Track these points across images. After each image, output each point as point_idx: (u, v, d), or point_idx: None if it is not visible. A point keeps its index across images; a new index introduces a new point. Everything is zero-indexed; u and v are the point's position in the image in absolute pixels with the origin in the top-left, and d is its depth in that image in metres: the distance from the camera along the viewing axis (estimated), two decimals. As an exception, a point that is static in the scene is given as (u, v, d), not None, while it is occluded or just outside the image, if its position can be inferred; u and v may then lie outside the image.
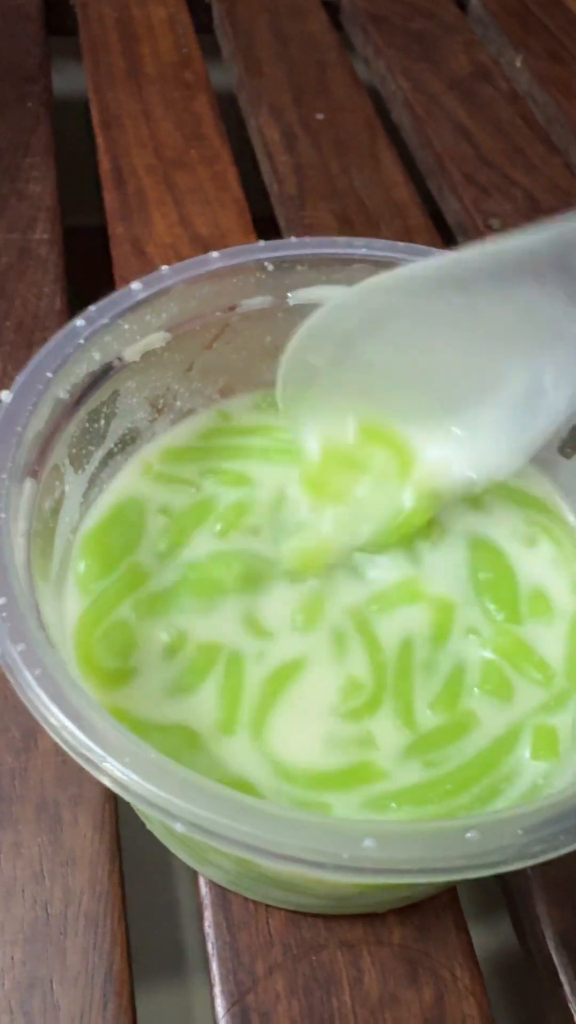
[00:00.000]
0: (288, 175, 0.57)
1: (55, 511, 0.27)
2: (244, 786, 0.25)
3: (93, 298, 0.29)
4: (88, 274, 0.50)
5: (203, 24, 0.69)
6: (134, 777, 0.19)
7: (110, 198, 0.53)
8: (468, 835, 0.19)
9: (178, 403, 0.32)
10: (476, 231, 0.54)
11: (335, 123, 0.61)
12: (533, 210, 0.56)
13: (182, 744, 0.26)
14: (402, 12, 0.71)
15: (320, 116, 0.61)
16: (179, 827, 0.19)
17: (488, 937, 0.40)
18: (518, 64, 0.69)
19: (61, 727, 0.20)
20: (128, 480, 0.30)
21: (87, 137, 0.58)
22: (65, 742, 0.20)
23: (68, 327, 0.27)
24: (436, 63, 0.67)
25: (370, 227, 0.54)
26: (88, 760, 0.19)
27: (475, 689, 0.27)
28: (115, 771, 0.19)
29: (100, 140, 0.57)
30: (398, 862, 0.18)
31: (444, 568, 0.29)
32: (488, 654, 0.27)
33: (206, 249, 0.50)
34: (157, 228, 0.51)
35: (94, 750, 0.19)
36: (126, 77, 0.62)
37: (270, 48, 0.66)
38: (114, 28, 0.65)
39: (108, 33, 0.65)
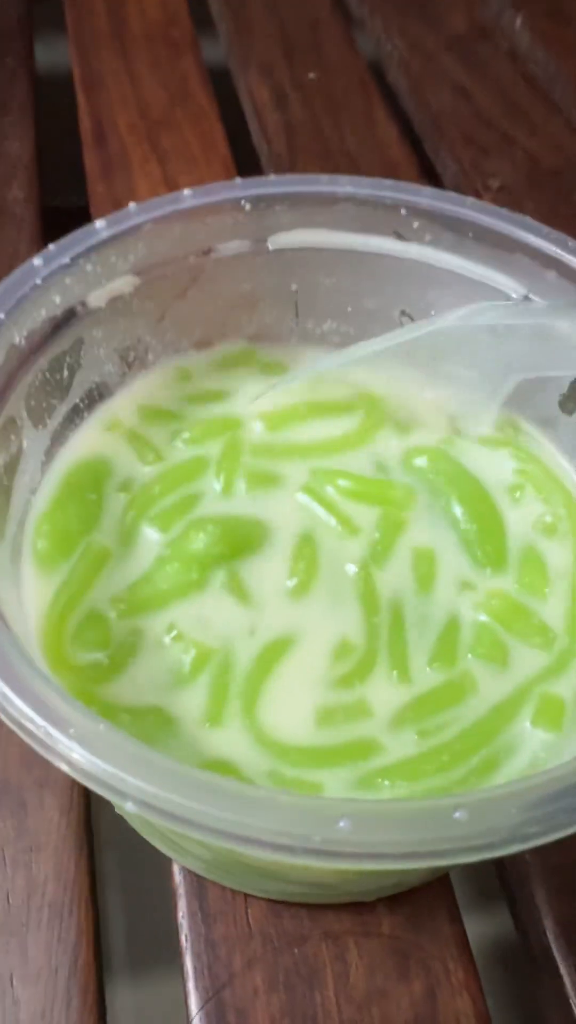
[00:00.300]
0: (278, 135, 0.54)
1: (11, 467, 0.25)
2: (226, 767, 0.23)
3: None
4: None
5: (192, -16, 0.67)
6: (80, 750, 0.17)
7: (91, 158, 0.51)
8: (456, 815, 0.17)
9: (150, 356, 0.30)
10: (473, 191, 0.52)
11: (327, 83, 0.58)
12: (534, 170, 0.53)
13: (156, 727, 0.24)
14: (398, -29, 0.68)
15: (312, 76, 0.59)
16: (130, 806, 0.16)
17: (484, 927, 0.38)
18: (518, 24, 0.66)
19: (1, 697, 0.17)
20: (90, 441, 0.28)
21: (72, 109, 0.56)
22: (6, 713, 0.17)
23: (24, 266, 0.25)
24: (433, 22, 0.64)
25: (363, 188, 0.51)
26: (28, 731, 0.17)
27: (468, 655, 0.24)
28: (59, 744, 0.17)
29: (81, 100, 0.54)
30: (376, 845, 0.16)
31: (429, 520, 0.27)
32: (482, 617, 0.25)
33: (190, 209, 0.48)
34: (139, 188, 0.49)
35: (35, 720, 0.17)
36: (110, 37, 0.59)
37: (261, 6, 0.63)
38: (98, -14, 0.63)
39: (92, -9, 0.62)
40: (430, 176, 0.54)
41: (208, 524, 0.27)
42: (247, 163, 0.53)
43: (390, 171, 0.52)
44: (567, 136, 0.56)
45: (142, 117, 0.53)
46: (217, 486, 0.28)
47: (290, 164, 0.52)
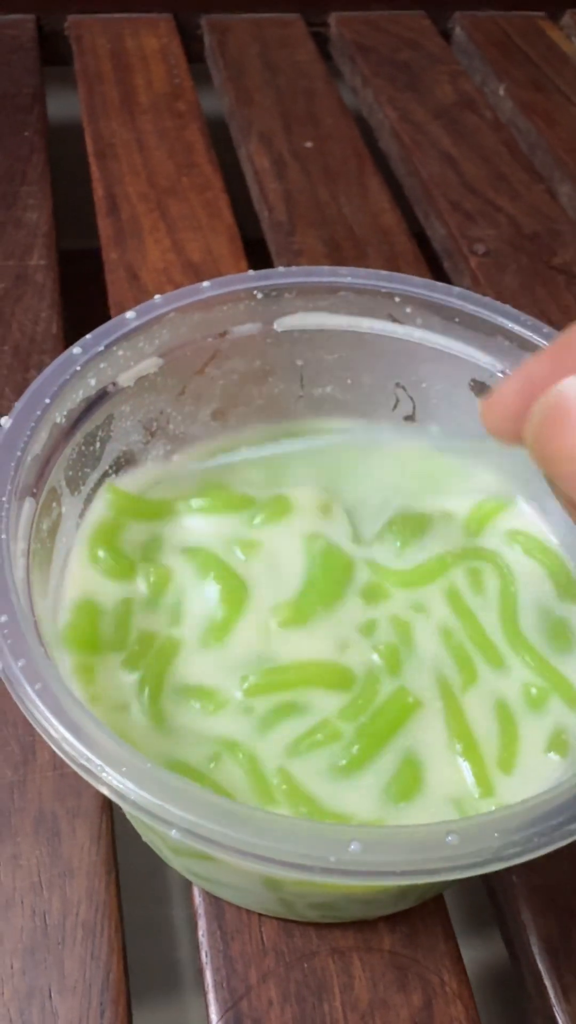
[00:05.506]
0: (278, 202, 0.58)
1: (52, 532, 0.28)
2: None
3: (88, 322, 0.30)
4: (83, 297, 0.51)
5: (195, 54, 0.71)
6: (130, 786, 0.20)
7: (104, 225, 0.54)
8: (448, 839, 0.20)
9: (171, 426, 0.33)
10: (461, 256, 0.56)
11: (324, 151, 0.63)
12: (516, 235, 0.57)
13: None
14: (389, 43, 0.73)
15: (309, 144, 0.63)
16: (174, 833, 0.20)
17: (479, 951, 0.41)
18: (501, 93, 0.70)
19: (61, 739, 0.21)
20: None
21: (82, 163, 0.60)
22: (65, 753, 0.20)
23: (65, 355, 0.28)
24: (422, 93, 0.69)
25: (358, 252, 0.55)
26: (87, 770, 0.20)
27: None
28: (113, 780, 0.20)
29: (94, 169, 0.58)
30: (381, 864, 0.19)
31: None
32: None
33: (198, 274, 0.52)
34: (150, 254, 0.53)
35: (93, 760, 0.20)
36: (120, 107, 0.63)
37: (260, 77, 0.68)
38: (108, 59, 0.67)
39: (102, 64, 0.67)
40: (420, 240, 0.58)
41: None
42: (249, 227, 0.57)
43: (383, 236, 0.56)
44: (547, 202, 0.60)
45: (151, 186, 0.57)
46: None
47: (290, 229, 0.56)
